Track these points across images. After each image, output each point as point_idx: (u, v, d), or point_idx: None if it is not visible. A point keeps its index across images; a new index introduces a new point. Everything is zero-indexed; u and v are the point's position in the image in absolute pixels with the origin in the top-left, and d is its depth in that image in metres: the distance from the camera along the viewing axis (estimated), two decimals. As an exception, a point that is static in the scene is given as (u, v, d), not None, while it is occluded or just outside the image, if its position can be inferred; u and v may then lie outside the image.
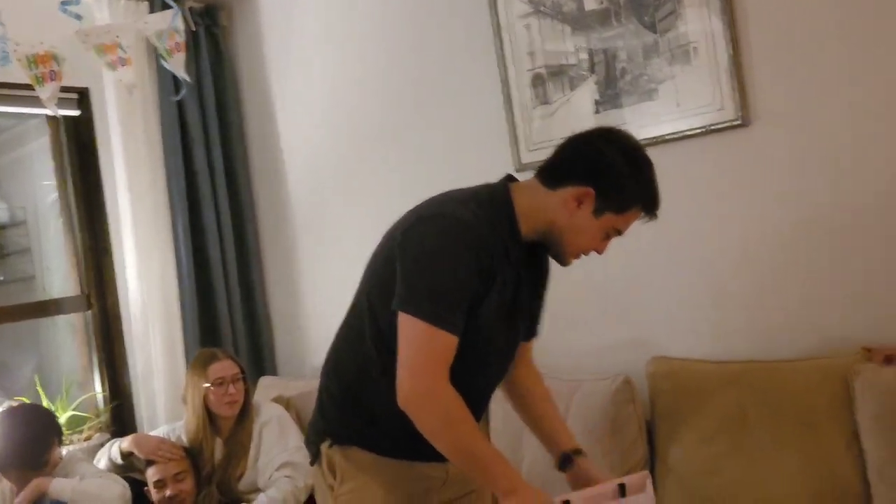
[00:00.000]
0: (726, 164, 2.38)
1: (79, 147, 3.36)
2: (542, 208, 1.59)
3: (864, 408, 2.00)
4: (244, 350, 3.40)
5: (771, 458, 2.07)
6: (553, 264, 1.74)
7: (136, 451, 2.75)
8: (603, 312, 2.60)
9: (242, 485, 2.73)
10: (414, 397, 1.50)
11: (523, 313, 1.68)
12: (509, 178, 1.67)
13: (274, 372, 3.51)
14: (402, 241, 1.55)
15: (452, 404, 1.50)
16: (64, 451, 2.69)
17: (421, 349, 1.49)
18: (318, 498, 1.76)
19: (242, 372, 2.82)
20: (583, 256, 1.67)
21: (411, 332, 1.49)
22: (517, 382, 1.82)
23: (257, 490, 2.70)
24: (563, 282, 2.66)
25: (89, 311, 3.35)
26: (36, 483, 2.45)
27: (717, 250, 2.41)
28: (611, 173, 1.58)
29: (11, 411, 2.70)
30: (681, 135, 2.44)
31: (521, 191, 1.62)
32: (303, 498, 2.66)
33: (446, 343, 1.48)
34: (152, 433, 2.91)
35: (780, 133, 2.28)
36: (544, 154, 2.68)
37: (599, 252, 1.64)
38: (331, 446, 1.69)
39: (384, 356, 1.58)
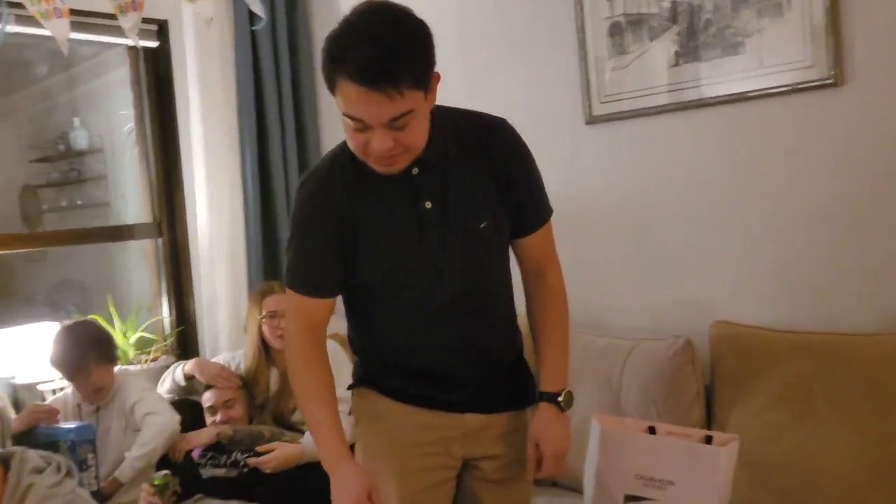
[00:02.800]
0: (811, 125, 2.26)
1: (156, 78, 3.41)
2: None
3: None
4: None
5: (834, 432, 2.00)
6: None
7: (197, 375, 2.85)
8: (663, 272, 2.54)
9: (297, 416, 2.79)
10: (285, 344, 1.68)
11: (452, 218, 1.54)
12: None
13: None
14: None
15: (299, 355, 1.59)
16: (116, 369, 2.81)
17: (287, 305, 1.66)
18: None
19: None
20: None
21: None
22: (525, 287, 1.73)
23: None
24: (621, 238, 2.64)
25: (160, 239, 3.44)
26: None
27: (791, 215, 2.31)
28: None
29: (72, 324, 2.82)
30: (764, 92, 2.33)
31: None
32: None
33: (298, 301, 1.59)
34: (213, 360, 3.00)
35: (874, 96, 2.16)
36: (617, 106, 2.65)
37: (377, 152, 1.42)
38: (352, 388, 1.75)
39: (346, 299, 1.67)
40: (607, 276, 2.66)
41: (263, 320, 2.80)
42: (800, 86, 2.26)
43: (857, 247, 2.21)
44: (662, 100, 2.53)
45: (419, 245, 1.55)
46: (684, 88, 2.48)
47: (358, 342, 1.71)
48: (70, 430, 2.53)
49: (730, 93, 2.38)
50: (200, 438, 2.67)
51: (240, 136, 3.30)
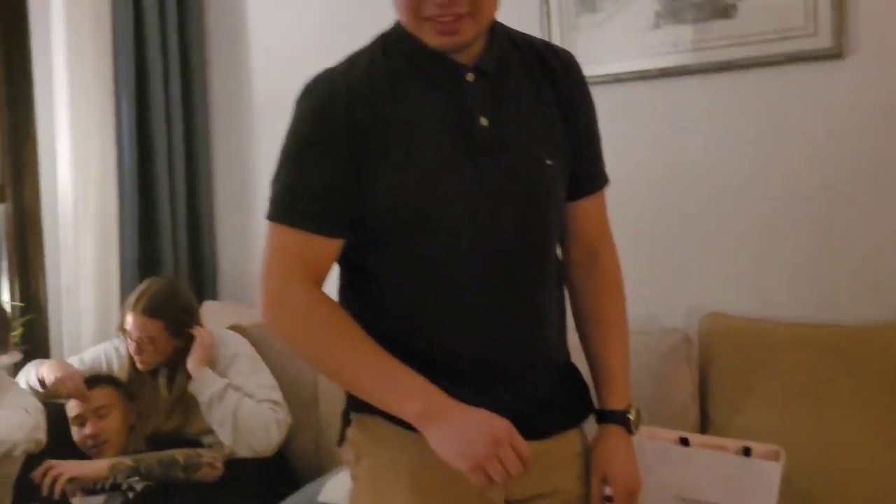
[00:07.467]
0: (808, 100, 2.08)
1: (2, 6, 2.74)
2: None
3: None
4: (184, 269, 2.90)
5: (852, 432, 1.82)
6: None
7: (45, 378, 2.22)
8: (643, 260, 2.27)
9: (198, 427, 2.27)
10: (265, 308, 1.20)
11: (511, 145, 1.22)
12: None
13: (214, 296, 3.04)
14: None
15: (304, 306, 1.18)
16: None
17: (267, 251, 1.21)
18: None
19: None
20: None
21: (266, 239, 1.21)
22: (570, 276, 1.37)
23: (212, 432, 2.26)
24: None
25: (2, 205, 2.77)
26: None
27: (783, 198, 2.13)
28: None
29: None
30: (756, 61, 2.12)
31: None
32: (278, 436, 2.23)
33: (296, 239, 1.18)
34: (91, 350, 2.43)
35: (880, 70, 2.00)
36: (586, 72, 2.37)
37: (437, 7, 1.13)
38: (347, 414, 1.31)
39: (349, 263, 1.25)
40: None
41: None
42: (798, 55, 2.07)
43: (853, 231, 2.05)
44: (637, 66, 2.26)
45: (466, 172, 1.18)
46: (664, 54, 2.23)
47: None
48: None
49: (719, 60, 2.15)
50: (85, 470, 2.04)
51: (114, 80, 2.71)
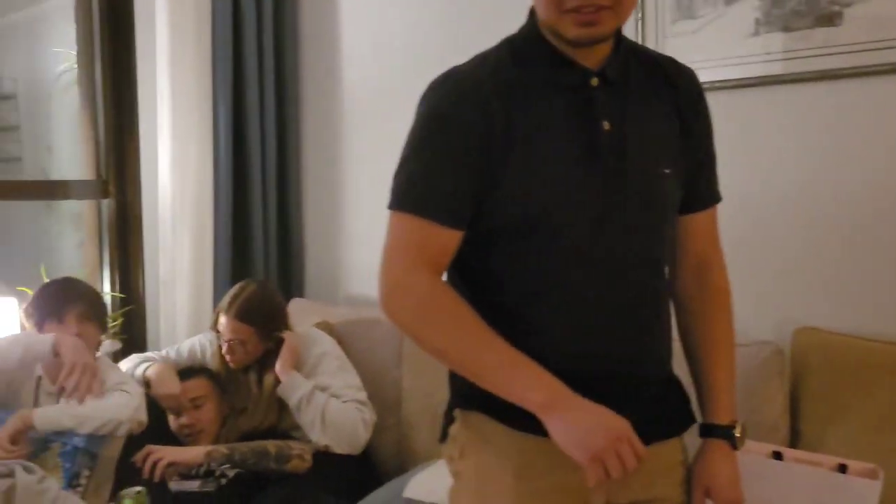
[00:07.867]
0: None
1: (111, 8, 2.87)
2: None
3: None
4: (274, 267, 2.99)
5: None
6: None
7: (151, 385, 2.33)
8: (738, 271, 2.24)
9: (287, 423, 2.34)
10: (385, 296, 1.21)
11: (630, 151, 1.22)
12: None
13: (301, 294, 3.12)
14: None
15: (428, 294, 1.19)
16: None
17: (389, 240, 1.22)
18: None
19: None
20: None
21: (388, 228, 1.23)
22: (679, 290, 1.38)
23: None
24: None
25: (105, 200, 2.91)
26: (20, 416, 2.04)
27: (880, 213, 2.05)
28: None
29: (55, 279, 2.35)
30: (859, 70, 2.06)
31: None
32: (365, 435, 2.28)
33: (419, 228, 1.19)
34: (188, 340, 2.52)
35: None
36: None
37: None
38: (454, 409, 1.33)
39: (453, 269, 1.26)
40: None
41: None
42: (906, 66, 2.01)
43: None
44: (734, 73, 2.23)
45: (585, 175, 1.20)
46: (762, 62, 2.19)
47: None
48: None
49: (822, 69, 2.10)
50: (183, 456, 2.13)
51: (213, 82, 2.81)
